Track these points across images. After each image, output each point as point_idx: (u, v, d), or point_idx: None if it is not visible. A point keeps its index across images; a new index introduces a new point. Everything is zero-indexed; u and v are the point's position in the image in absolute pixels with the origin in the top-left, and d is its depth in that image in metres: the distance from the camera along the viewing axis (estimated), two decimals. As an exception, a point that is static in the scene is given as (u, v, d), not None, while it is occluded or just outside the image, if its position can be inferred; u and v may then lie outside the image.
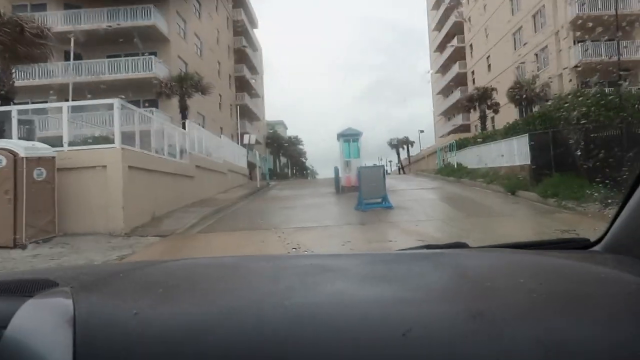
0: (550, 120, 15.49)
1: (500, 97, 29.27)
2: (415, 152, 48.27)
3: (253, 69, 48.36)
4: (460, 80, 43.78)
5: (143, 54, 24.66)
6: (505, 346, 0.49)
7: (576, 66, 25.34)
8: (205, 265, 0.93)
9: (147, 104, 24.12)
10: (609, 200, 9.44)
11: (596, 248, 1.07)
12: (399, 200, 13.14)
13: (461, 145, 24.35)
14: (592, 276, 0.77)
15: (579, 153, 11.19)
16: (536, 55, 29.77)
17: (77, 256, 7.44)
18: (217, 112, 35.90)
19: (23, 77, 16.95)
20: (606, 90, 16.93)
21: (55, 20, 22.82)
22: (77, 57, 22.33)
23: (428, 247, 1.16)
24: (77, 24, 24.21)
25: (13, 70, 12.62)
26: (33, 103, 15.68)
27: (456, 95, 43.05)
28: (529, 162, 13.82)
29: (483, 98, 28.36)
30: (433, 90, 56.18)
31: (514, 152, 15.48)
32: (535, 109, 22.02)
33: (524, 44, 31.23)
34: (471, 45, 42.05)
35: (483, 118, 29.65)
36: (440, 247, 1.12)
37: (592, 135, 10.80)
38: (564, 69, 25.88)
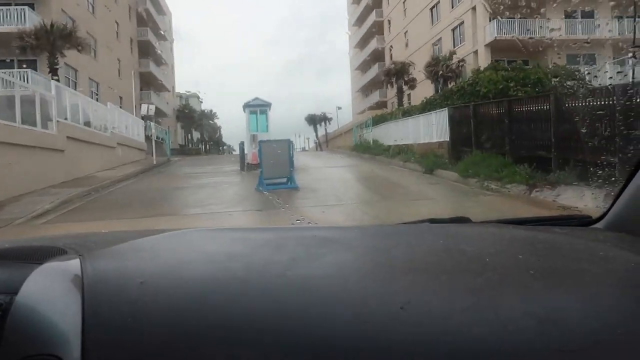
0: (469, 95, 14.63)
1: (418, 74, 28.70)
2: (333, 129, 47.52)
3: (160, 35, 44.28)
4: (378, 56, 43.01)
5: (16, 4, 20.84)
6: (501, 320, 0.50)
7: (492, 42, 25.15)
8: (211, 235, 0.90)
9: (24, 65, 20.46)
10: (534, 181, 8.50)
11: (597, 225, 1.06)
12: (308, 180, 11.58)
13: (378, 121, 23.30)
14: (591, 253, 0.77)
15: (502, 130, 10.23)
16: (452, 31, 29.40)
17: None
18: (116, 80, 32.10)
19: None
20: (524, 66, 16.47)
21: None
22: None
23: (431, 220, 1.13)
24: None
25: None
26: None
27: (374, 71, 42.29)
28: (447, 139, 12.82)
29: (400, 73, 27.49)
30: (351, 66, 55.22)
31: (432, 128, 14.48)
32: (452, 85, 21.36)
33: (441, 20, 30.80)
34: (389, 21, 41.27)
35: (400, 94, 28.93)
36: (443, 221, 1.13)
37: (515, 110, 9.83)
38: (485, 45, 25.60)
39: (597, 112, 7.24)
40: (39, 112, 11.18)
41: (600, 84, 8.31)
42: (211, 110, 67.79)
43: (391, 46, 40.74)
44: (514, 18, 25.47)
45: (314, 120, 56.43)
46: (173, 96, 55.23)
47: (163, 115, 46.95)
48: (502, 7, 25.22)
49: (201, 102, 69.32)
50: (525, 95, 10.70)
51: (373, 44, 43.91)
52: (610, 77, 10.41)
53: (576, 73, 15.26)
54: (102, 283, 0.58)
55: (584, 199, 7.32)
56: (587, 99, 7.42)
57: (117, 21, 33.19)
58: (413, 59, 29.92)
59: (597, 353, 0.48)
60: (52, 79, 14.17)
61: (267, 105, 15.28)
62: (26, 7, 20.65)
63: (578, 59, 21.99)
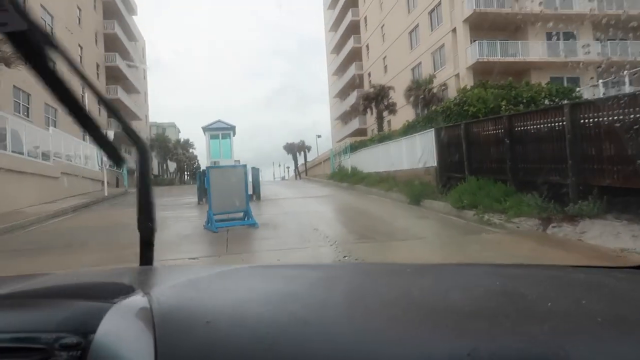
0: (456, 116, 13.07)
1: (397, 98, 27.44)
2: (313, 157, 46.18)
3: (130, 61, 42.53)
4: (357, 83, 41.96)
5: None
6: None
7: (474, 65, 24.01)
8: (262, 273, 0.93)
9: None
10: (549, 214, 6.81)
11: None
12: (273, 214, 9.73)
13: (358, 147, 21.69)
14: None
15: (501, 151, 8.59)
16: (433, 54, 28.35)
17: None
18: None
19: None
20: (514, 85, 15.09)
21: None
22: None
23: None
24: None
25: None
26: None
27: (353, 97, 41.11)
28: (435, 164, 11.16)
29: (379, 97, 26.13)
30: (330, 94, 54.21)
31: (417, 153, 12.83)
32: (436, 107, 19.96)
33: (420, 44, 29.81)
34: (367, 46, 40.39)
35: (380, 119, 27.55)
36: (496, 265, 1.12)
37: (517, 127, 8.21)
38: (468, 67, 24.48)
39: (634, 127, 5.61)
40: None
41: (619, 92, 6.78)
42: (188, 140, 66.01)
43: (370, 73, 39.70)
44: (495, 40, 24.53)
45: (292, 149, 55.03)
46: (146, 125, 53.31)
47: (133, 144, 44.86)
48: (483, 28, 24.27)
49: (179, 132, 67.48)
50: (529, 110, 9.10)
51: (351, 71, 42.91)
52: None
53: (573, 91, 13.96)
54: (171, 322, 0.59)
55: (621, 238, 5.63)
56: (618, 110, 5.80)
57: (81, 45, 31.37)
58: (392, 84, 28.70)
59: None
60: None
61: (230, 128, 13.50)
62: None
63: (562, 80, 20.76)
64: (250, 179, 9.75)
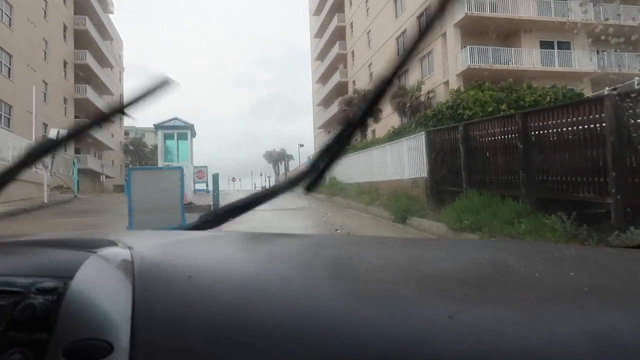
0: (449, 121, 11.35)
1: (382, 106, 25.83)
2: (295, 166, 44.50)
3: (104, 61, 40.33)
4: (341, 91, 40.30)
5: None
6: (553, 335, 0.48)
7: (465, 72, 22.49)
8: (253, 237, 0.88)
9: None
10: (582, 243, 5.02)
11: None
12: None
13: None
14: None
15: (511, 159, 6.81)
16: (421, 60, 26.84)
17: None
18: (39, 103, 27.79)
19: None
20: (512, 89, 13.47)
21: None
22: None
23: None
24: None
25: None
26: None
27: (336, 106, 39.46)
28: (425, 175, 9.37)
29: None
30: (314, 102, 52.53)
31: (404, 161, 11.03)
32: (427, 111, 18.29)
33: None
34: (353, 52, 38.87)
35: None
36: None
37: (535, 128, 6.43)
38: (458, 74, 22.93)
39: None
40: None
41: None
42: (166, 146, 63.87)
43: (354, 80, 38.10)
44: (487, 46, 23.11)
45: (272, 158, 53.14)
46: (120, 128, 50.96)
47: (104, 148, 42.48)
48: (475, 34, 22.80)
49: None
50: (551, 105, 7.35)
51: (336, 78, 41.29)
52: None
53: (582, 97, 12.39)
54: (151, 274, 0.59)
55: None
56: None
57: (46, 39, 29.17)
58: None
59: None
60: None
61: (187, 127, 11.52)
62: None
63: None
64: (189, 185, 7.82)
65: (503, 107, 11.07)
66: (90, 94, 35.56)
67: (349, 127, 0.80)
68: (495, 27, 22.82)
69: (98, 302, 0.52)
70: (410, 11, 27.70)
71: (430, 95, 23.18)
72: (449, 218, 7.02)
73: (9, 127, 23.78)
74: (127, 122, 54.23)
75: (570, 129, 5.63)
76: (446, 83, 23.97)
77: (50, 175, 16.49)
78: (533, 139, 6.33)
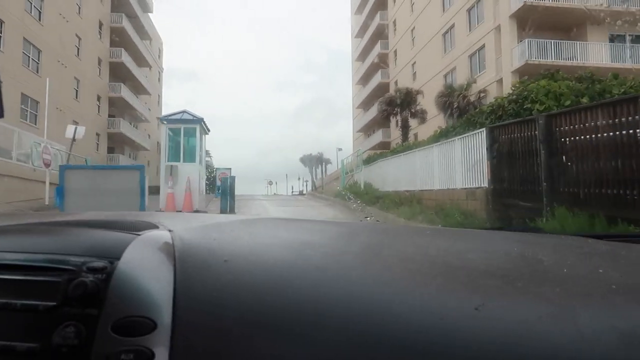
0: (511, 118, 9.16)
1: (427, 108, 23.60)
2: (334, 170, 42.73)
3: (142, 60, 39.84)
4: (381, 92, 38.16)
5: None
6: (580, 331, 0.48)
7: (522, 68, 19.92)
8: (285, 223, 0.95)
9: None
10: None
11: None
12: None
13: (373, 158, 17.79)
14: None
15: (629, 168, 4.62)
16: (470, 57, 24.43)
17: None
18: (71, 101, 27.15)
19: None
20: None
21: None
22: None
23: (501, 229, 1.12)
24: None
25: None
26: None
27: (376, 108, 37.36)
28: (486, 184, 7.22)
29: (406, 102, 22.19)
30: (354, 104, 50.52)
31: (455, 166, 8.89)
32: (483, 107, 15.96)
33: (455, 46, 25.93)
34: (395, 52, 36.68)
35: (405, 129, 23.59)
36: (516, 229, 1.11)
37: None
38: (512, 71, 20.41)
39: None
40: None
41: None
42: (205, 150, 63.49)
43: (396, 80, 35.88)
44: (547, 39, 20.48)
45: (309, 162, 51.47)
46: (157, 128, 50.56)
47: (140, 149, 41.98)
48: (532, 27, 20.23)
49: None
50: None
51: (377, 79, 39.18)
52: None
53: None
54: (191, 257, 0.62)
55: None
56: None
57: (79, 35, 28.56)
58: (421, 92, 24.90)
59: None
60: None
61: (196, 121, 9.79)
62: None
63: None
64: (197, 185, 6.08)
65: (584, 100, 8.78)
66: (125, 92, 34.88)
67: None
68: (556, 18, 20.21)
69: (143, 282, 0.56)
70: (459, 4, 25.36)
71: (481, 95, 20.74)
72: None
73: (35, 123, 23.04)
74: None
75: None
76: (499, 81, 21.49)
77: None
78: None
